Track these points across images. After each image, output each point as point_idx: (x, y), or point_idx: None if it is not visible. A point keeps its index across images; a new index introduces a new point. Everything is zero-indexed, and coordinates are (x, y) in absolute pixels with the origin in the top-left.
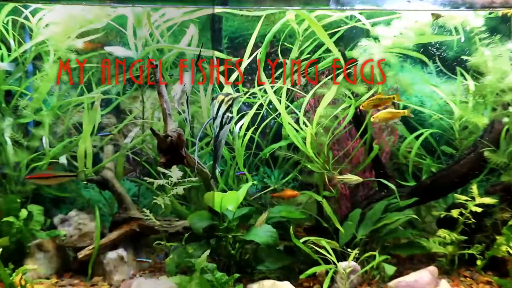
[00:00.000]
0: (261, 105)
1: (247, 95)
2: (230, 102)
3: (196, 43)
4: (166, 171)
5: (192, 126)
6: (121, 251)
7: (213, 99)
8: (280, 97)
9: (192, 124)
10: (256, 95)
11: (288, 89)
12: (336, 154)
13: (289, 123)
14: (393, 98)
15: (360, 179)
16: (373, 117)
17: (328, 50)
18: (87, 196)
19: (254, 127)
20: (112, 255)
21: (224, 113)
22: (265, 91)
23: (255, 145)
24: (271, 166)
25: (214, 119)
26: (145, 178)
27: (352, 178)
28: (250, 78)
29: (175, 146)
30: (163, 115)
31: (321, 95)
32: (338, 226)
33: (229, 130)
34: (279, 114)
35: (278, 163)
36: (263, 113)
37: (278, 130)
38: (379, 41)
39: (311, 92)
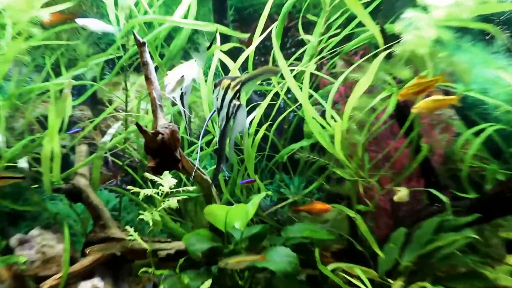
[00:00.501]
0: (276, 94)
1: (259, 80)
2: (237, 87)
3: (194, 14)
4: (155, 178)
5: (190, 121)
6: (97, 281)
7: (215, 85)
8: (302, 83)
9: (189, 118)
10: (271, 82)
11: (311, 73)
12: (374, 157)
13: (313, 117)
14: (437, 80)
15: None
16: (413, 108)
17: (363, 24)
18: (54, 210)
19: (268, 123)
20: (85, 286)
21: (230, 102)
22: (282, 77)
23: (269, 145)
24: (290, 172)
25: (219, 110)
26: (129, 187)
27: (404, 194)
28: (263, 59)
29: (168, 146)
30: (152, 107)
31: (354, 81)
32: (377, 249)
33: (238, 122)
34: (300, 105)
35: (298, 168)
36: (279, 105)
37: (298, 126)
38: (428, 11)
39: (341, 78)
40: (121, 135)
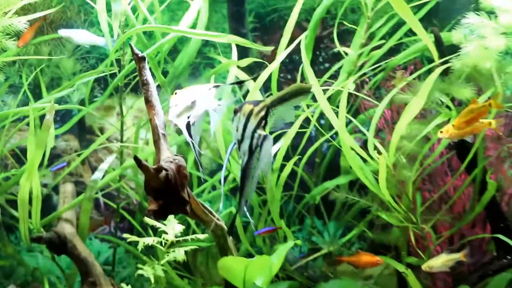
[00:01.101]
0: (306, 121)
1: (290, 105)
2: (262, 113)
3: (205, 22)
4: (157, 224)
5: (200, 153)
6: None
7: (235, 111)
8: (337, 107)
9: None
10: (299, 105)
11: (349, 94)
12: (428, 198)
13: (351, 149)
14: (489, 105)
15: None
16: (440, 132)
17: (413, 33)
18: (32, 264)
19: (296, 156)
20: None
21: (254, 132)
22: (313, 98)
23: (298, 184)
24: (324, 216)
25: (240, 142)
26: (125, 235)
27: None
28: (289, 77)
29: (173, 184)
30: (154, 136)
31: (402, 104)
32: None
33: (263, 157)
34: (336, 134)
35: (334, 211)
36: (310, 133)
37: (334, 160)
38: (495, 16)
39: (386, 99)
40: (116, 171)
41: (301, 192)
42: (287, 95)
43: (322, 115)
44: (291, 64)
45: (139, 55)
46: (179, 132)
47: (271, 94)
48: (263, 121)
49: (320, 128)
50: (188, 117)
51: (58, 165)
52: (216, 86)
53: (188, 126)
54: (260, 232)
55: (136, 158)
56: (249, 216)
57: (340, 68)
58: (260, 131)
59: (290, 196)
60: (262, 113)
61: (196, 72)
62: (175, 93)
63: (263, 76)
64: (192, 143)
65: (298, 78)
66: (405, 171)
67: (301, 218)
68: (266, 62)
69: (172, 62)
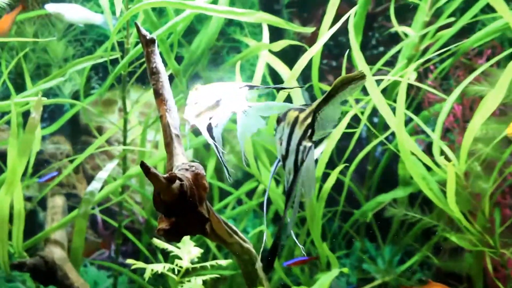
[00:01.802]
0: (355, 119)
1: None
2: (308, 120)
3: None
4: (169, 247)
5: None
6: None
7: (279, 120)
8: (394, 102)
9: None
10: (346, 100)
11: (410, 85)
12: (509, 215)
13: (412, 154)
14: None
15: None
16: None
17: (491, 8)
18: None
19: (342, 162)
20: None
21: (299, 144)
22: (364, 91)
23: (344, 197)
24: (377, 238)
25: (284, 158)
26: (129, 261)
27: None
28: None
29: (189, 198)
30: (165, 138)
31: (476, 98)
32: None
33: (306, 172)
34: (393, 135)
35: (390, 232)
36: (359, 134)
37: (390, 168)
38: None
39: (456, 91)
40: (117, 182)
41: (348, 208)
42: (333, 91)
43: (375, 112)
44: (336, 48)
45: (147, 37)
46: (196, 133)
47: (311, 85)
48: (310, 130)
49: (372, 128)
50: (210, 118)
51: (48, 175)
52: (250, 87)
53: (209, 128)
54: (290, 263)
55: (143, 165)
56: (296, 241)
57: (398, 52)
58: (305, 142)
59: (335, 212)
60: (309, 120)
61: (217, 58)
62: (196, 89)
63: (301, 62)
64: (216, 145)
65: (344, 65)
66: (480, 182)
67: (349, 240)
68: (305, 46)
69: (188, 46)
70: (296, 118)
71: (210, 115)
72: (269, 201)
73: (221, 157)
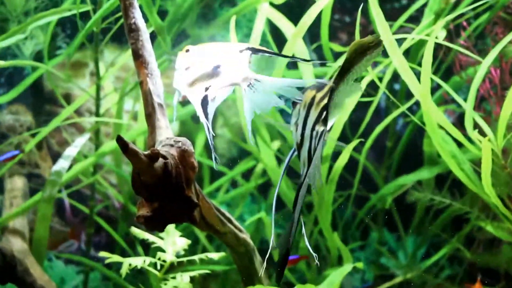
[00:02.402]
0: (372, 85)
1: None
2: (325, 101)
3: None
4: (150, 238)
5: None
6: None
7: (294, 103)
8: (419, 65)
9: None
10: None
11: (438, 45)
12: None
13: (439, 127)
14: None
15: None
16: None
17: None
18: None
19: (357, 138)
20: None
21: (313, 128)
22: (383, 52)
23: (358, 179)
24: (398, 227)
25: (300, 146)
26: (102, 254)
27: None
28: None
29: (174, 179)
30: (146, 108)
31: None
32: None
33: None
34: (417, 105)
35: (414, 220)
36: (377, 104)
37: (413, 144)
38: None
39: (493, 53)
40: (89, 160)
41: (364, 192)
42: (347, 63)
43: (395, 78)
44: (350, 1)
45: None
46: (183, 102)
47: (320, 45)
48: (324, 112)
49: (392, 97)
50: (206, 89)
51: (6, 153)
52: (254, 51)
53: (204, 101)
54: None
55: (119, 140)
56: (308, 245)
57: (423, 6)
58: (318, 126)
59: (348, 197)
60: (325, 100)
61: (208, 12)
62: (187, 50)
63: (308, 17)
64: (207, 125)
65: (358, 20)
66: None
67: (364, 229)
68: None
69: None
70: (313, 99)
71: (206, 85)
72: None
73: (210, 140)
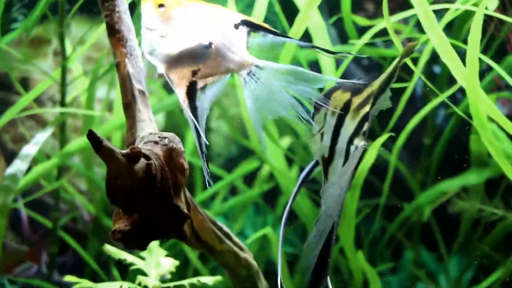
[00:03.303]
0: (405, 68)
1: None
2: (367, 109)
3: None
4: (129, 258)
5: (208, 129)
6: None
7: (316, 107)
8: (464, 42)
9: (207, 126)
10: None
11: (488, 17)
12: None
13: (490, 119)
14: None
15: None
16: None
17: None
18: None
19: (386, 132)
20: None
21: (350, 142)
22: (418, 25)
23: (389, 184)
24: (439, 245)
25: (328, 160)
26: (68, 278)
27: None
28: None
29: (159, 184)
30: (125, 96)
31: None
32: None
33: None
34: (462, 92)
35: (458, 236)
36: (412, 91)
37: (457, 141)
38: None
39: None
40: (52, 160)
41: (396, 201)
42: (395, 68)
43: (434, 59)
44: None
45: None
46: (168, 87)
47: (340, 18)
48: (366, 122)
49: (429, 84)
50: (194, 73)
51: None
52: (251, 27)
53: (191, 89)
54: None
55: (91, 136)
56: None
57: None
58: (358, 141)
59: (376, 207)
60: (366, 108)
61: None
62: (160, 5)
63: None
64: (195, 124)
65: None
66: None
67: (396, 248)
68: None
69: None
70: (347, 104)
71: (194, 67)
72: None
73: (199, 144)
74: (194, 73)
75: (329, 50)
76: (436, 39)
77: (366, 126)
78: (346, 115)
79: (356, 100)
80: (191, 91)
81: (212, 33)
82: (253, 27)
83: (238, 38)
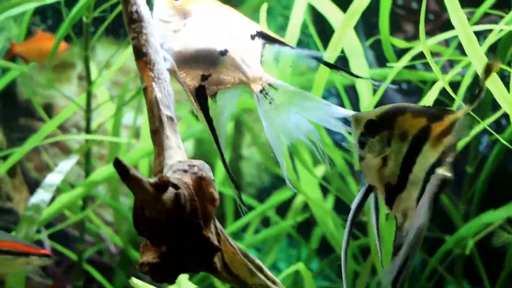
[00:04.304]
0: (445, 92)
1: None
2: (450, 139)
3: None
4: None
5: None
6: None
7: (370, 129)
8: (509, 65)
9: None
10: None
11: None
12: None
13: None
14: None
15: None
16: None
17: None
18: None
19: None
20: None
21: (431, 172)
22: (460, 48)
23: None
24: (483, 280)
25: (393, 190)
26: None
27: None
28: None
29: (189, 215)
30: (152, 123)
31: None
32: None
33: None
34: (507, 118)
35: (503, 271)
36: None
37: (501, 169)
38: None
39: None
40: (77, 190)
41: (437, 233)
42: (481, 91)
43: (477, 83)
44: None
45: None
46: (195, 115)
47: (379, 42)
48: (451, 153)
49: (470, 111)
50: (204, 78)
51: None
52: (266, 39)
53: (200, 93)
54: None
55: (117, 164)
56: None
57: None
58: (442, 171)
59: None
60: (450, 137)
61: None
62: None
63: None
64: (213, 131)
65: (423, 8)
66: None
67: (438, 282)
68: None
69: None
70: (425, 130)
71: (204, 71)
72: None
73: (222, 157)
74: (203, 78)
75: (347, 71)
76: (478, 62)
77: (451, 157)
78: (423, 142)
79: (437, 128)
80: (201, 96)
81: (229, 40)
82: (269, 40)
83: (254, 49)
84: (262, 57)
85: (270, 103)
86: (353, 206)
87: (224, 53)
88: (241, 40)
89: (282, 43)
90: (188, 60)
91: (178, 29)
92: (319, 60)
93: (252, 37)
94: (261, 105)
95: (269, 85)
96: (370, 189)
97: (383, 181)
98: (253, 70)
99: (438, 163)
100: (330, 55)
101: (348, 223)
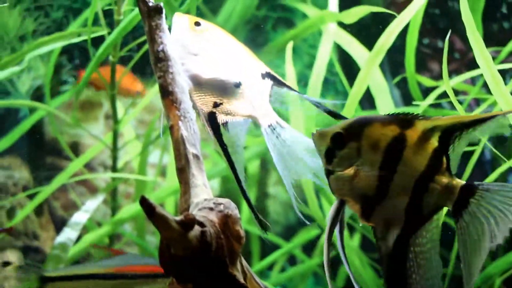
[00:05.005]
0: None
1: None
2: (434, 145)
3: None
4: None
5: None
6: None
7: (337, 143)
8: None
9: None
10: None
11: None
12: None
13: None
14: None
15: None
16: None
17: None
18: None
19: None
20: None
21: (428, 178)
22: (486, 87)
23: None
24: None
25: (375, 199)
26: None
27: None
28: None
29: (215, 253)
30: (178, 161)
31: None
32: None
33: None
34: None
35: None
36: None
37: None
38: None
39: None
40: (104, 229)
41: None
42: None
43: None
44: (442, 19)
45: (150, 4)
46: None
47: (404, 78)
48: (443, 159)
49: (495, 151)
50: (216, 105)
51: None
52: (275, 81)
53: (212, 119)
54: None
55: (143, 202)
56: None
57: None
58: (446, 179)
59: (442, 277)
60: (434, 143)
61: (258, 35)
62: (197, 23)
63: (387, 40)
64: (225, 150)
65: (446, 48)
66: None
67: None
68: (395, 14)
69: (214, 17)
70: (399, 138)
71: (217, 99)
72: None
73: (242, 187)
74: (215, 105)
75: (338, 114)
76: (504, 100)
77: (445, 163)
78: (400, 150)
79: (413, 134)
80: (212, 122)
81: (243, 74)
82: (276, 82)
83: (264, 88)
84: (270, 97)
85: (277, 138)
86: (328, 223)
87: (238, 85)
88: (253, 76)
89: (289, 87)
90: (203, 85)
91: (197, 53)
92: (323, 108)
93: (263, 76)
94: (269, 138)
95: (277, 122)
96: (342, 203)
97: (356, 193)
98: (263, 106)
99: (432, 171)
100: (333, 102)
101: (325, 240)
